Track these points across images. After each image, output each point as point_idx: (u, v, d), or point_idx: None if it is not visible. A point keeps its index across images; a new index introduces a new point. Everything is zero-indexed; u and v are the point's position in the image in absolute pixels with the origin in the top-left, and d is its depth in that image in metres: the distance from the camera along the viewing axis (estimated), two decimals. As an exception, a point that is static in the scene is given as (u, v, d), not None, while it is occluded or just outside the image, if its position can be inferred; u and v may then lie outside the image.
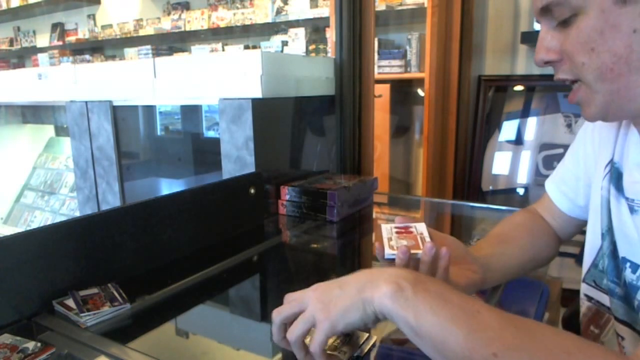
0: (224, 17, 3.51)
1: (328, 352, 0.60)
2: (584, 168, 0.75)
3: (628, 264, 0.63)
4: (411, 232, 0.66)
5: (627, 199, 0.63)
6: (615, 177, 0.66)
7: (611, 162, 0.67)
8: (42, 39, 4.89)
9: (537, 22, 0.59)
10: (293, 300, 0.57)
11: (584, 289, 0.73)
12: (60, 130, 2.47)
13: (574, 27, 0.53)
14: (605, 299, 0.69)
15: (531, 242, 0.80)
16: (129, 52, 4.17)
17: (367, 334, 0.64)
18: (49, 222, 1.98)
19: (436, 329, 0.46)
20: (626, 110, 0.56)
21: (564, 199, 0.80)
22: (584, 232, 0.79)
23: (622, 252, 0.64)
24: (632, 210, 0.62)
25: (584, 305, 0.74)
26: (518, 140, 2.09)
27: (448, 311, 0.47)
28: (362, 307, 0.50)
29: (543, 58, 0.58)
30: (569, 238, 0.84)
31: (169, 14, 3.91)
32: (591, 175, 0.73)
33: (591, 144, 0.74)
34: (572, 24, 0.53)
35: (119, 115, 1.64)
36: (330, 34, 1.54)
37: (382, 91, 2.35)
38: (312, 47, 3.10)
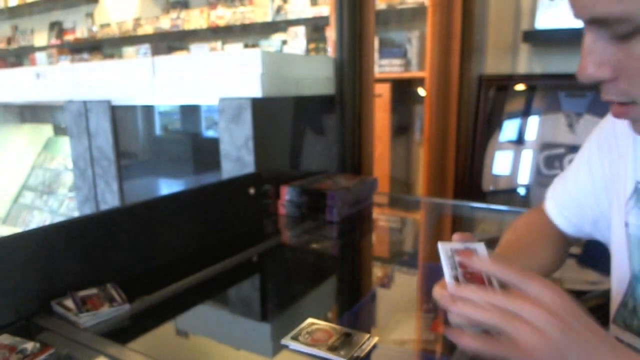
0: (223, 15, 3.51)
1: (327, 352, 0.60)
2: (593, 200, 0.68)
3: None
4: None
5: None
6: None
7: (636, 191, 0.58)
8: (40, 38, 4.88)
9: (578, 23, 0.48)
10: (509, 302, 0.43)
11: (614, 331, 0.64)
12: (58, 130, 2.47)
13: (637, 44, 0.43)
14: (638, 342, 0.61)
15: (552, 249, 0.74)
16: (128, 51, 4.16)
17: (368, 335, 0.64)
18: (47, 222, 1.98)
19: None
20: None
21: (569, 224, 0.74)
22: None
23: None
24: None
25: None
26: (519, 140, 2.09)
27: None
28: None
29: (593, 74, 0.46)
30: (576, 242, 0.79)
31: (167, 13, 3.90)
32: (604, 209, 0.66)
33: (600, 173, 0.66)
34: (633, 39, 0.43)
35: (118, 115, 1.63)
36: (330, 33, 1.53)
37: (383, 90, 2.34)
38: (312, 46, 3.10)
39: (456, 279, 0.53)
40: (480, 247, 0.55)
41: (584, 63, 0.47)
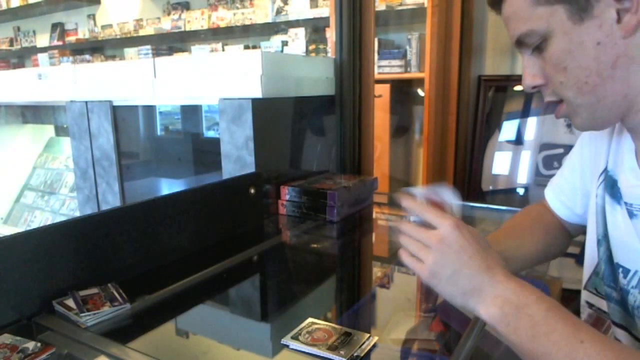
0: (224, 17, 3.51)
1: (327, 351, 0.60)
2: (581, 178, 0.77)
3: (621, 269, 0.65)
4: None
5: (626, 203, 0.64)
6: (610, 184, 0.67)
7: (605, 170, 0.69)
8: (42, 39, 4.89)
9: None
10: (422, 235, 0.58)
11: (585, 296, 0.75)
12: (60, 130, 2.47)
13: (547, 51, 0.57)
14: (604, 305, 0.70)
15: (545, 235, 0.82)
16: (129, 52, 4.17)
17: (368, 334, 0.64)
18: (49, 222, 1.98)
19: (535, 358, 0.49)
20: (613, 117, 0.60)
21: (563, 208, 0.82)
22: (584, 233, 0.78)
23: (616, 258, 0.66)
24: (631, 214, 0.63)
25: (585, 312, 0.75)
26: (518, 140, 2.09)
27: (549, 341, 0.48)
28: (462, 305, 0.56)
29: (530, 84, 0.62)
30: (577, 235, 0.85)
31: (169, 14, 3.90)
32: (588, 185, 0.75)
33: (588, 153, 0.75)
34: (544, 48, 0.58)
35: (119, 116, 1.64)
36: (330, 34, 1.54)
37: (382, 91, 2.35)
38: (312, 47, 3.10)
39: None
40: (447, 193, 0.64)
41: (524, 76, 0.62)
